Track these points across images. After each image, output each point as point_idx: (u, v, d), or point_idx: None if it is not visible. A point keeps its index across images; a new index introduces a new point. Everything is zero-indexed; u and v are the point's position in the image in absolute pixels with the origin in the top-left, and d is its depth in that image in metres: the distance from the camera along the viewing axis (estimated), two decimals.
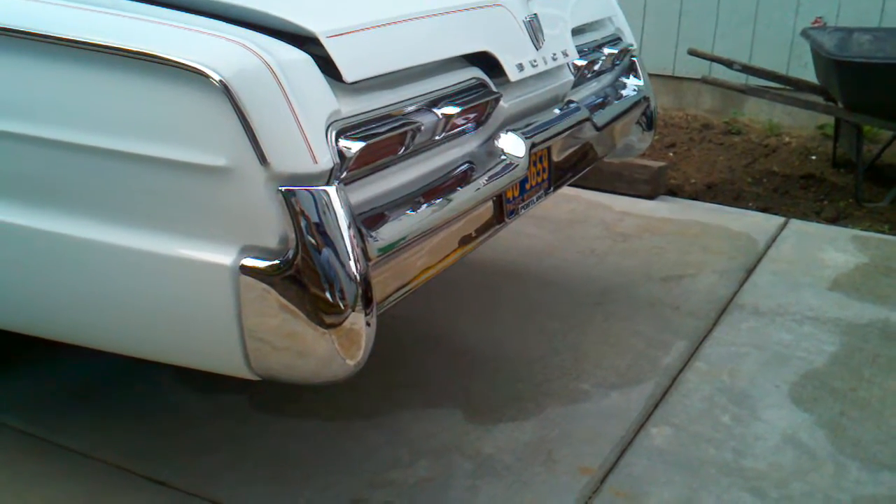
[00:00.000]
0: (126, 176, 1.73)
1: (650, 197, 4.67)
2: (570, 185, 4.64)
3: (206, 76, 1.62)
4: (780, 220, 4.43)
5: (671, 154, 5.50)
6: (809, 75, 5.24)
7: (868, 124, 4.71)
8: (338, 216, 1.65)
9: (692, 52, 5.23)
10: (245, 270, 1.68)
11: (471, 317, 3.28)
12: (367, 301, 1.71)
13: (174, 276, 1.74)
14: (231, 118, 1.62)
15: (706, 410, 2.72)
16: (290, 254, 1.65)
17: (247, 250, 1.68)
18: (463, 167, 2.18)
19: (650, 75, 6.36)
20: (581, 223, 4.30)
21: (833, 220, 4.53)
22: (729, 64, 5.11)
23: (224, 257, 1.68)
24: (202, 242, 1.70)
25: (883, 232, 4.36)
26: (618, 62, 3.31)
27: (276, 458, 2.41)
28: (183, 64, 1.63)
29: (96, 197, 1.78)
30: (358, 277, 1.68)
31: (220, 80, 1.62)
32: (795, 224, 4.40)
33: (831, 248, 4.09)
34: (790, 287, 3.63)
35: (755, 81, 5.38)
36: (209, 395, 2.69)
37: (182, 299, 1.76)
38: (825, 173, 5.18)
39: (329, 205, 1.64)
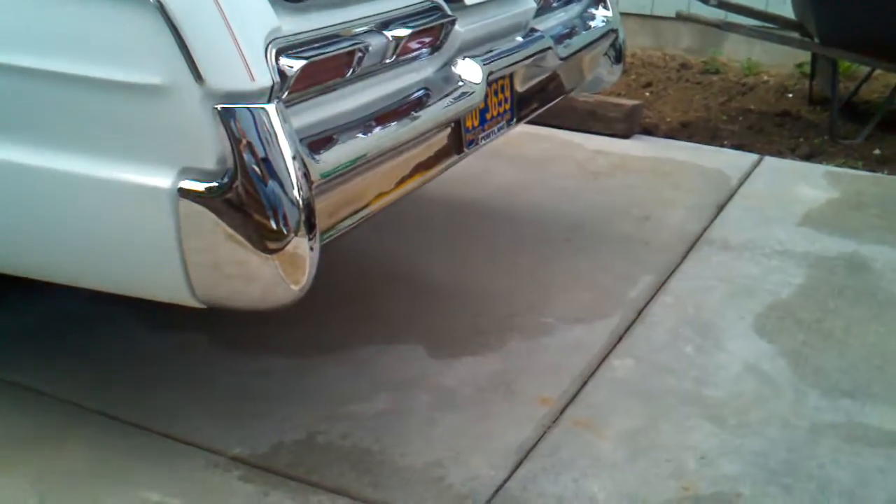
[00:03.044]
0: (58, 97, 1.67)
1: (625, 136, 4.62)
2: (543, 125, 4.63)
3: None
4: (754, 157, 4.41)
5: (647, 94, 5.44)
6: (788, 13, 5.17)
7: (844, 59, 4.66)
8: (277, 135, 1.60)
9: None
10: (183, 193, 1.63)
11: (438, 253, 3.25)
12: (310, 225, 1.67)
13: (113, 200, 1.70)
14: (165, 35, 1.56)
15: (670, 342, 2.71)
16: (229, 175, 1.60)
17: (185, 172, 1.64)
18: (417, 93, 2.13)
19: (627, 14, 6.28)
20: (553, 161, 4.25)
21: (807, 157, 4.50)
22: (705, 0, 5.03)
23: (162, 180, 1.64)
24: (140, 165, 1.65)
25: (857, 168, 4.34)
26: None
27: (233, 394, 2.39)
28: None
29: (26, 119, 1.73)
30: (299, 200, 1.64)
31: None
32: (769, 161, 4.38)
33: (804, 183, 4.07)
34: (760, 222, 3.62)
35: (733, 19, 5.30)
36: (169, 334, 2.66)
37: (122, 225, 1.72)
38: (801, 111, 5.14)
39: (268, 123, 1.59)
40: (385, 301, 2.91)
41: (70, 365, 2.48)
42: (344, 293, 2.95)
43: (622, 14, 6.12)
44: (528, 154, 4.32)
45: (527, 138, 4.53)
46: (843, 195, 3.94)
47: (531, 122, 4.60)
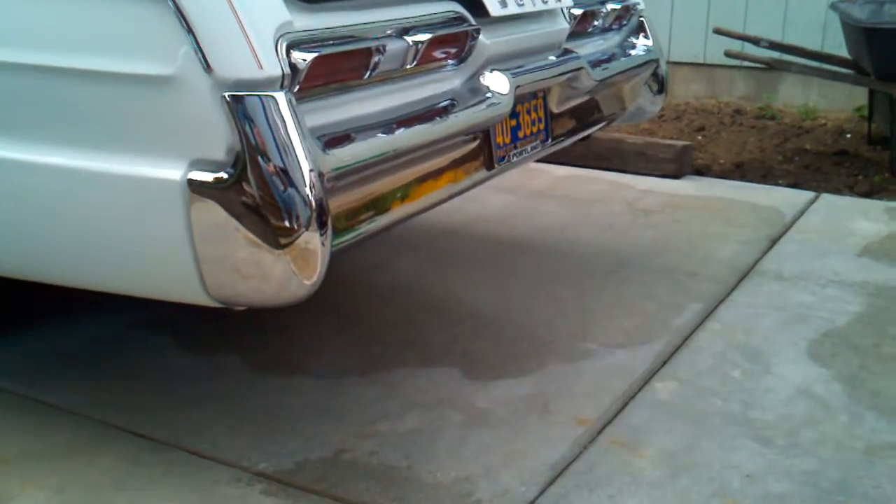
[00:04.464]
0: (64, 92, 1.69)
1: (675, 176, 4.54)
2: (592, 168, 4.59)
3: None
4: (810, 194, 4.29)
5: (700, 137, 5.36)
6: (844, 53, 5.08)
7: None
8: (286, 124, 1.59)
9: (718, 31, 5.11)
10: (193, 185, 1.62)
11: (479, 285, 3.20)
12: (322, 217, 1.64)
13: (122, 195, 1.69)
14: (174, 25, 1.57)
15: (716, 366, 2.60)
16: (238, 165, 1.59)
17: (195, 164, 1.63)
18: (440, 102, 2.11)
19: (680, 63, 6.25)
20: (602, 201, 4.19)
21: (867, 194, 4.36)
22: (756, 41, 4.98)
23: (173, 172, 1.63)
24: (150, 158, 1.65)
25: None
26: (624, 22, 3.22)
27: (263, 413, 2.35)
28: None
29: (32, 116, 1.74)
30: (309, 192, 1.61)
31: None
32: (827, 198, 4.25)
33: (863, 218, 3.94)
34: (816, 254, 3.49)
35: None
36: (204, 357, 2.65)
37: (132, 221, 1.71)
38: (860, 150, 5.01)
39: (276, 111, 1.58)
40: (422, 328, 2.86)
41: (103, 386, 2.48)
42: (380, 321, 2.91)
43: (675, 63, 6.14)
44: (575, 195, 4.27)
45: (575, 180, 4.49)
46: None
47: (580, 165, 4.61)
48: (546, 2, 2.50)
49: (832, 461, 2.15)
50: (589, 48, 2.95)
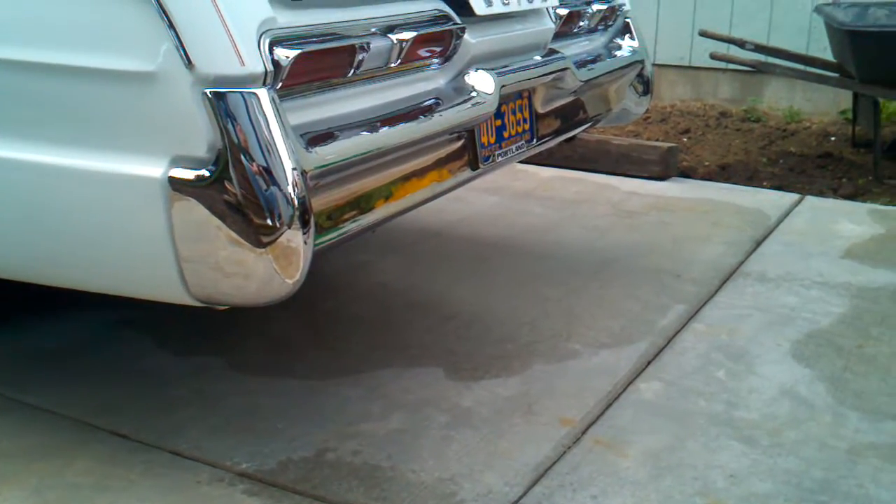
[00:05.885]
0: (46, 88, 1.67)
1: (661, 178, 4.55)
2: (577, 169, 4.59)
3: None
4: (794, 196, 4.30)
5: (685, 139, 5.38)
6: (828, 56, 5.10)
7: (884, 97, 4.56)
8: (269, 121, 1.58)
9: (703, 34, 5.12)
10: (174, 183, 1.61)
11: (463, 286, 3.19)
12: (304, 216, 1.63)
13: (102, 192, 1.68)
14: (155, 21, 1.56)
15: (700, 367, 2.60)
16: (219, 162, 1.57)
17: (176, 161, 1.61)
18: (425, 100, 2.11)
19: (665, 65, 6.27)
20: (587, 202, 4.19)
21: (851, 197, 4.38)
22: (741, 44, 5.00)
23: (153, 169, 1.62)
24: (130, 155, 1.64)
25: None
26: (610, 23, 3.23)
27: (245, 414, 2.33)
28: None
29: (9, 111, 1.72)
30: (291, 190, 1.60)
31: None
32: (811, 200, 4.27)
33: (847, 220, 3.95)
34: (800, 256, 3.50)
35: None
36: (186, 358, 2.63)
37: (113, 218, 1.69)
38: (844, 153, 5.03)
39: (258, 108, 1.57)
40: (406, 328, 2.85)
41: (84, 387, 2.45)
42: (365, 321, 2.90)
43: (660, 65, 6.15)
44: (561, 196, 4.27)
45: (560, 181, 4.49)
46: (889, 231, 3.81)
47: (565, 167, 4.61)
48: (532, 1, 2.50)
49: (815, 461, 2.15)
50: (574, 48, 2.95)
